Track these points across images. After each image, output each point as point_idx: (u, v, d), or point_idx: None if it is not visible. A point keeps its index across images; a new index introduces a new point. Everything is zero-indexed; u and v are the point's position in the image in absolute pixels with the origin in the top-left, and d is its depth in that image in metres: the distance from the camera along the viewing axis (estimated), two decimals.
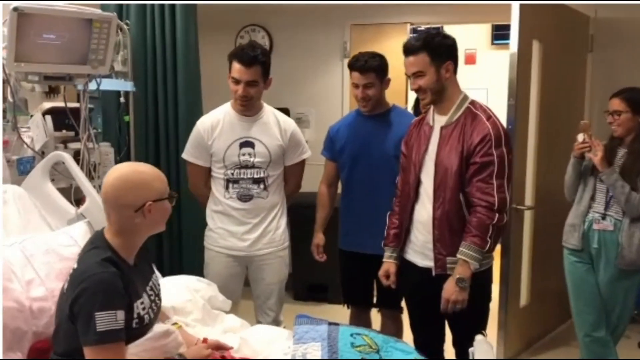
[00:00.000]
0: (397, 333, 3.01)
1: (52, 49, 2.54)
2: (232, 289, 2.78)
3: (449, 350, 2.62)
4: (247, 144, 2.77)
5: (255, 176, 2.78)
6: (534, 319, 3.89)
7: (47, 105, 3.01)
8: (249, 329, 2.29)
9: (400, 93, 4.67)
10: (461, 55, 5.04)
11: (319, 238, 3.11)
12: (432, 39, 2.35)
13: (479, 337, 1.96)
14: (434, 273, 2.41)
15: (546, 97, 3.74)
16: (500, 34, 6.15)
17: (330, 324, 2.16)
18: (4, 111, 2.68)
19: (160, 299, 1.97)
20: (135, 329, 1.76)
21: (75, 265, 1.79)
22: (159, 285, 2.00)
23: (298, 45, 4.81)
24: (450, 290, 2.29)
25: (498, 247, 2.77)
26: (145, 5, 3.51)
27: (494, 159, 2.29)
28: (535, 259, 3.82)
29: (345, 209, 3.07)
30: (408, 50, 2.38)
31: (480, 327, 2.48)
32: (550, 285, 3.94)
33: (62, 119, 2.98)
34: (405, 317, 3.16)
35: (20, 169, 2.68)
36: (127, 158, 3.46)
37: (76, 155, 2.91)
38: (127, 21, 3.45)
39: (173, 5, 3.48)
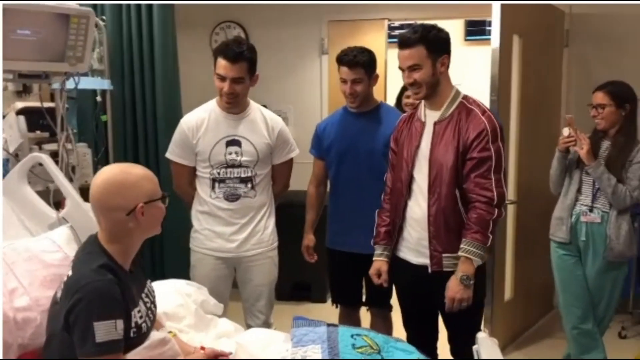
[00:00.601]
0: (387, 332, 2.98)
1: (27, 46, 2.42)
2: (220, 292, 2.70)
3: (442, 346, 2.60)
4: (234, 142, 2.69)
5: (243, 175, 2.71)
6: (518, 313, 3.92)
7: (20, 105, 2.89)
8: (244, 333, 2.23)
9: (379, 89, 4.64)
10: None
11: (309, 239, 3.06)
12: (428, 32, 2.30)
13: (481, 335, 1.94)
14: (430, 270, 2.38)
15: (526, 92, 3.76)
16: (473, 29, 6.18)
17: (329, 325, 2.11)
18: None
19: (155, 306, 1.89)
20: (133, 338, 1.68)
21: (69, 273, 1.69)
22: (153, 291, 1.91)
23: (275, 41, 4.74)
24: (455, 289, 2.26)
25: None
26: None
27: (492, 154, 2.27)
28: (518, 253, 3.84)
29: (333, 208, 3.02)
30: (404, 42, 2.32)
31: (476, 323, 2.47)
32: (533, 278, 3.98)
33: (36, 119, 2.86)
34: (395, 315, 3.16)
35: None
36: (106, 159, 3.35)
37: (52, 157, 2.78)
38: (103, 17, 3.34)
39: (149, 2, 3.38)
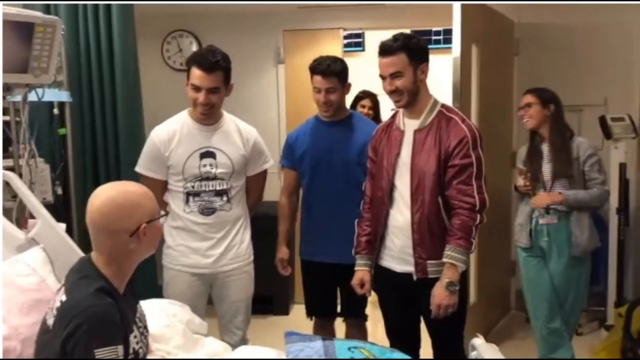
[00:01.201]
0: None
1: None
2: (196, 310, 2.58)
3: (425, 354, 2.62)
4: (208, 154, 2.62)
5: (218, 188, 2.63)
6: (481, 316, 3.99)
7: None
8: (234, 352, 2.15)
9: None
10: None
11: (282, 252, 3.02)
12: (409, 40, 2.35)
13: (478, 341, 1.94)
14: (415, 278, 2.39)
15: (484, 99, 3.86)
16: (426, 39, 6.30)
17: (324, 339, 2.07)
18: None
19: (147, 331, 1.80)
20: None
21: (62, 298, 1.58)
22: (144, 315, 1.82)
23: (229, 51, 4.52)
24: (441, 296, 2.27)
25: None
26: (77, 5, 3.24)
27: (473, 161, 2.31)
28: (480, 258, 3.92)
29: (307, 218, 2.99)
30: (386, 50, 2.35)
31: (459, 328, 2.49)
32: (494, 282, 4.07)
33: None
34: (371, 324, 3.16)
35: None
36: (64, 174, 3.18)
37: None
38: None
39: (108, 7, 3.24)
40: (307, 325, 3.10)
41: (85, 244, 2.37)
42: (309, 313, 3.08)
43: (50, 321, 1.58)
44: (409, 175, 2.39)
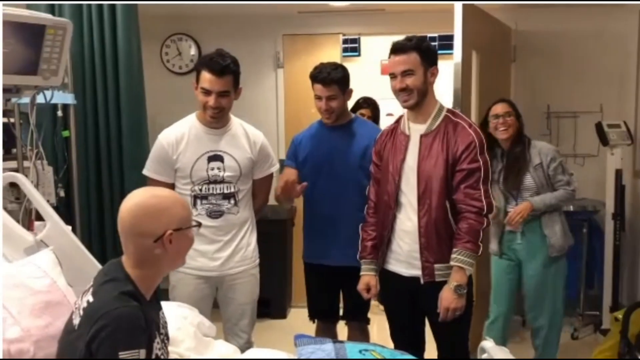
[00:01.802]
0: None
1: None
2: (202, 313, 2.60)
3: (429, 357, 2.64)
4: (216, 157, 2.63)
5: (226, 191, 2.64)
6: (478, 319, 4.02)
7: None
8: (245, 353, 2.16)
9: None
10: (378, 66, 5.22)
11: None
12: (422, 41, 2.40)
13: (488, 344, 1.97)
14: (422, 281, 2.41)
15: (483, 105, 3.89)
16: None
17: (334, 341, 2.09)
18: None
19: (168, 338, 1.80)
20: None
21: (89, 299, 1.58)
22: (166, 322, 1.82)
23: None
24: (449, 299, 2.30)
25: None
26: (81, 6, 3.24)
27: (480, 165, 2.35)
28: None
29: (310, 221, 3.01)
30: (399, 49, 2.38)
31: (465, 330, 2.52)
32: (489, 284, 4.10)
33: None
34: (374, 327, 3.18)
35: None
36: (68, 176, 3.17)
37: None
38: None
39: (113, 7, 3.24)
40: (305, 328, 3.07)
41: (88, 246, 2.39)
42: (312, 316, 3.08)
43: (76, 321, 1.58)
44: (416, 179, 2.41)
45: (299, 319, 3.11)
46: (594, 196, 4.35)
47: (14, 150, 2.87)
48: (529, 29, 4.49)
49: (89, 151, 3.32)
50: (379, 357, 1.99)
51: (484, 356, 1.92)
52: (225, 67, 2.52)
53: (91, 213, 3.40)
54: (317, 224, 2.96)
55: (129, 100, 3.28)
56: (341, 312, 3.08)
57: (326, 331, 3.05)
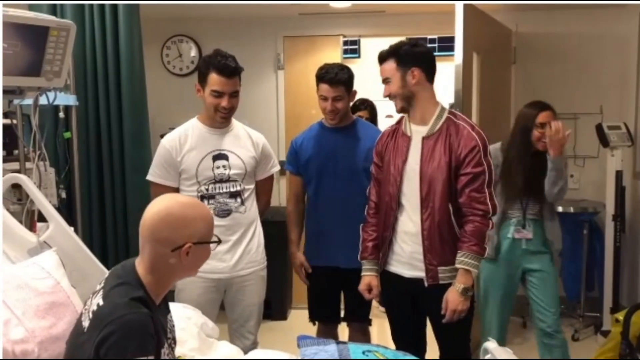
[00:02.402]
0: None
1: (4, 59, 2.26)
2: (208, 316, 2.60)
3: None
4: (221, 156, 2.64)
5: (232, 190, 2.65)
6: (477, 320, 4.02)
7: None
8: (249, 354, 2.17)
9: None
10: (378, 68, 5.17)
11: (300, 258, 3.01)
12: (400, 47, 2.42)
13: (491, 345, 1.98)
14: (426, 284, 2.41)
15: (484, 106, 3.91)
16: None
17: (337, 342, 2.09)
18: None
19: (175, 342, 1.80)
20: None
21: (99, 302, 1.58)
22: (174, 326, 1.82)
23: None
24: (456, 301, 2.31)
25: None
26: (83, 6, 3.24)
27: (485, 169, 2.35)
28: None
29: (313, 223, 3.01)
30: (380, 58, 2.46)
31: (467, 331, 2.52)
32: None
33: None
34: (375, 329, 3.18)
35: None
36: (69, 178, 3.17)
37: None
38: None
39: (115, 7, 3.24)
40: (306, 330, 3.07)
41: (89, 247, 2.38)
42: (313, 318, 3.08)
43: (86, 323, 1.58)
44: (418, 181, 2.41)
45: (300, 320, 3.11)
46: (594, 197, 4.36)
47: (16, 152, 2.87)
48: (529, 31, 4.50)
49: (90, 152, 3.31)
50: (382, 358, 2.00)
51: (487, 357, 1.93)
52: (234, 68, 2.56)
53: (92, 214, 3.40)
54: (320, 225, 2.96)
55: (130, 101, 3.28)
56: (342, 314, 3.09)
57: (327, 332, 3.05)
